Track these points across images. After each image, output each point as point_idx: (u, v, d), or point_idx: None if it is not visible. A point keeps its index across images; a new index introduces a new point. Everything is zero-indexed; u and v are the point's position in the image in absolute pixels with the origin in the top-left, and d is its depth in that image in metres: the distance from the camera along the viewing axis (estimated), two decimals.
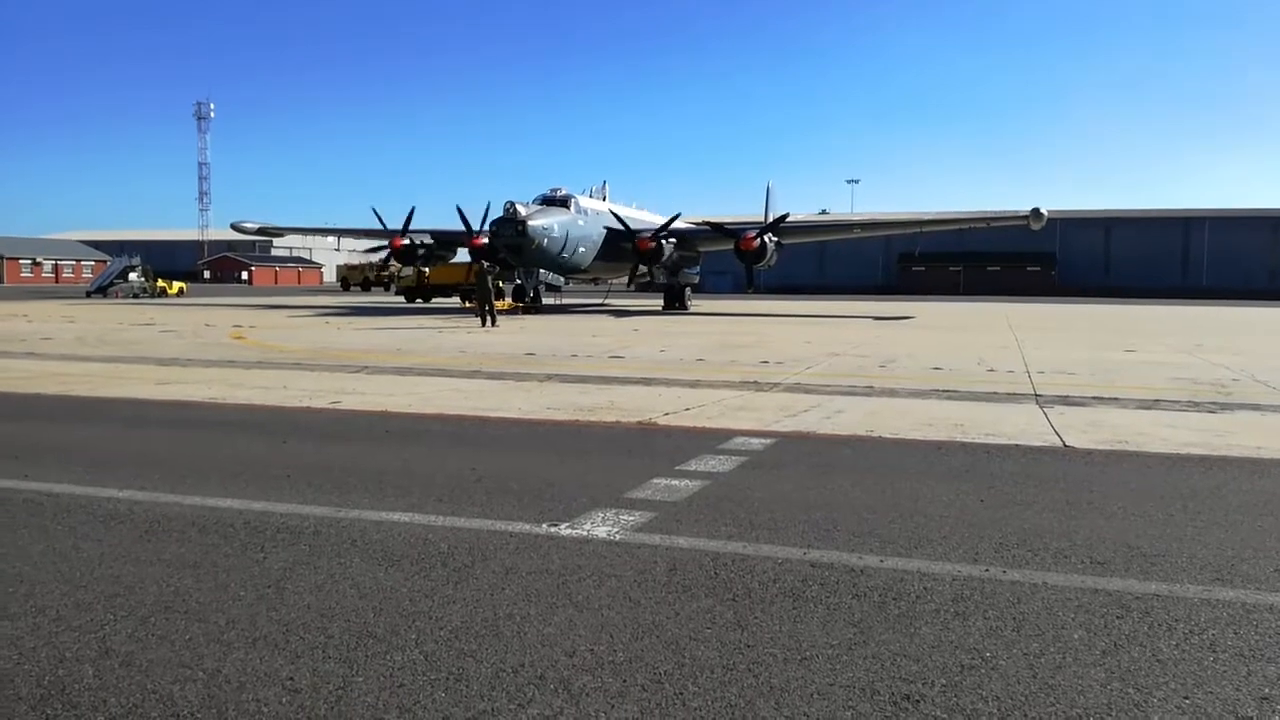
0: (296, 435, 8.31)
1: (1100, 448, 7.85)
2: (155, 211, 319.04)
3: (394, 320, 29.41)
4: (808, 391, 11.52)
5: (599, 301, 48.53)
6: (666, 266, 40.03)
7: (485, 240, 35.91)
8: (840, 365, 15.05)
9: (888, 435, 8.38)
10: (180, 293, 59.59)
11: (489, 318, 26.48)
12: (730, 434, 8.29)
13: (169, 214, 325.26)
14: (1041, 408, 10.18)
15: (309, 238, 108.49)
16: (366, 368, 14.20)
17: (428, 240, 42.31)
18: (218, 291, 74.16)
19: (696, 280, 45.30)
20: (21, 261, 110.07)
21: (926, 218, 56.45)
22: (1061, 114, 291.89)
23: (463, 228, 38.29)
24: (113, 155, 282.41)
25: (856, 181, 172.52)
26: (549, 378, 12.86)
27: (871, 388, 11.94)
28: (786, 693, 3.20)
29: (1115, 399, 10.97)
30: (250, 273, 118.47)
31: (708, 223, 40.31)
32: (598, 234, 37.53)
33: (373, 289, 79.04)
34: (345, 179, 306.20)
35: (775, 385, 12.12)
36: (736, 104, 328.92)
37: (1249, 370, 14.81)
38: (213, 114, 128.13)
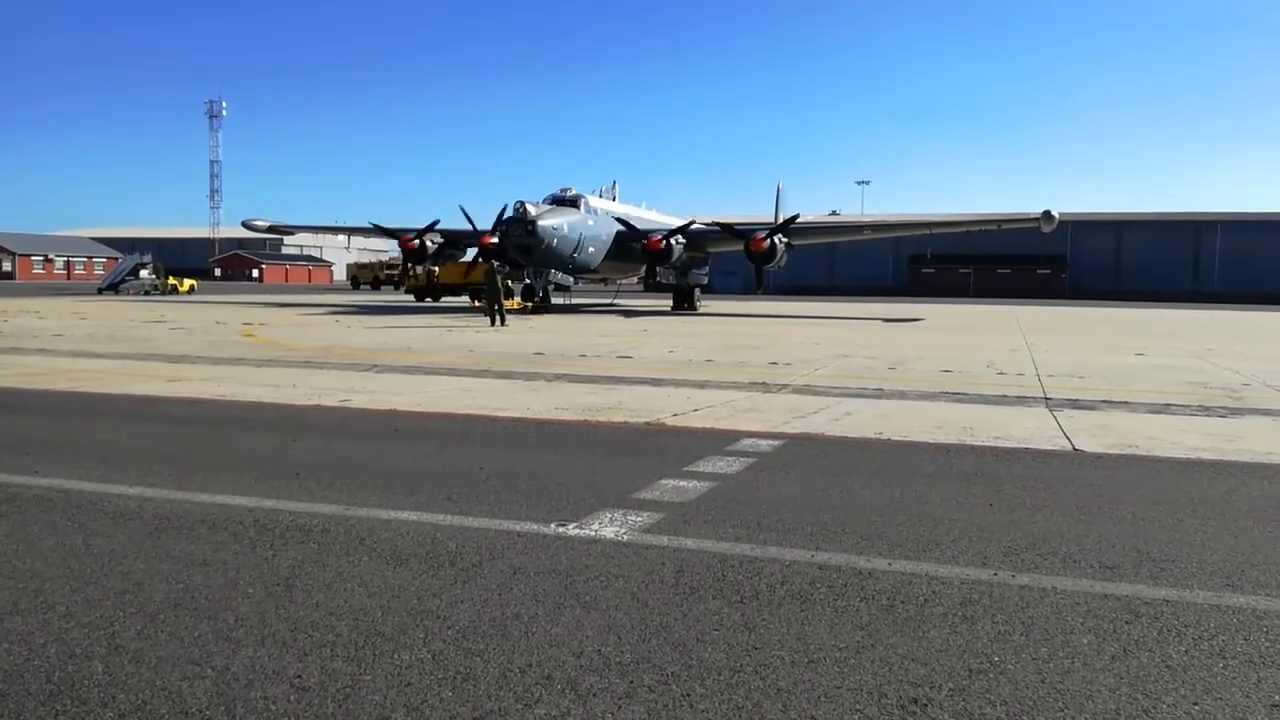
0: (306, 433, 8.33)
1: (1110, 452, 7.82)
2: (167, 209, 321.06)
3: (403, 319, 29.47)
4: (817, 393, 11.51)
5: (608, 301, 48.54)
6: (676, 267, 40.02)
7: (495, 240, 36.00)
8: (849, 367, 15.03)
9: (897, 438, 8.37)
10: (191, 290, 59.82)
11: (498, 317, 26.55)
12: (739, 435, 8.28)
13: (180, 212, 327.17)
14: (1051, 411, 10.15)
15: (319, 236, 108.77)
16: (376, 366, 14.23)
17: (438, 239, 42.41)
18: (228, 289, 74.41)
19: (705, 281, 45.26)
20: (34, 258, 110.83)
21: (937, 219, 56.32)
22: (1073, 116, 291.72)
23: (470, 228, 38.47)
24: (125, 153, 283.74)
25: (867, 183, 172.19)
26: (558, 377, 12.87)
27: (881, 390, 11.91)
28: (794, 695, 3.20)
29: (1125, 403, 10.93)
30: (261, 271, 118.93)
31: (718, 223, 40.20)
32: (607, 234, 37.56)
33: (382, 288, 79.27)
34: (356, 178, 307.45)
35: (784, 387, 12.10)
36: (747, 105, 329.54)
37: (1260, 375, 14.74)
38: (224, 112, 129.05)
